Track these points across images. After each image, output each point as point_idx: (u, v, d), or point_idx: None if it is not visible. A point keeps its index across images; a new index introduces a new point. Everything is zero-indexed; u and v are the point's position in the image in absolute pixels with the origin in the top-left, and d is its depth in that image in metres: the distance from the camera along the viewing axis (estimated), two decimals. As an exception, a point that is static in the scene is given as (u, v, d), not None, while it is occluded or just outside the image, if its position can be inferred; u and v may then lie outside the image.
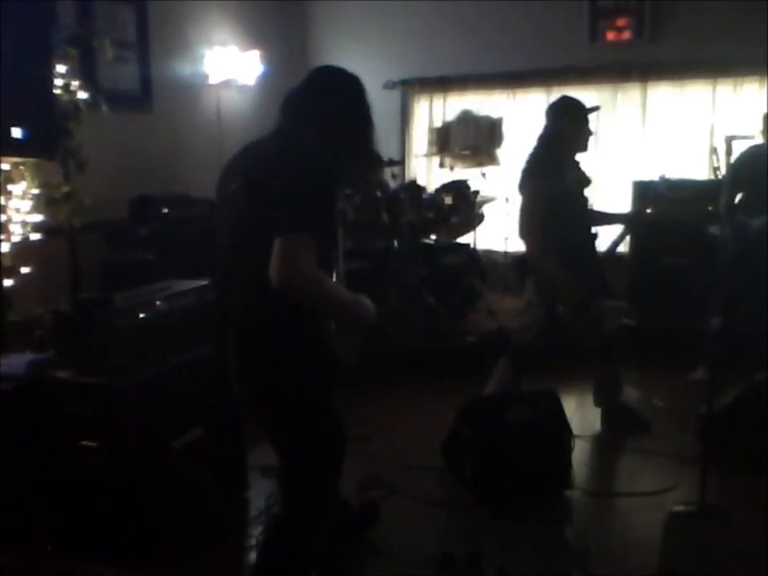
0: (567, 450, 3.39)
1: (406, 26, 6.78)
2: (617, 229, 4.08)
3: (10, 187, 3.72)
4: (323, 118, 2.11)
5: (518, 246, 6.31)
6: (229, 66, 5.85)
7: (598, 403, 4.13)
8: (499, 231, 6.22)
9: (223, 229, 2.13)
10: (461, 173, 6.10)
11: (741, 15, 5.67)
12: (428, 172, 6.95)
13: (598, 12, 6.19)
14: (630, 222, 4.14)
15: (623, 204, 5.71)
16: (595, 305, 3.72)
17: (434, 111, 6.94)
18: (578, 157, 3.90)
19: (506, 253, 6.22)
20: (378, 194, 5.39)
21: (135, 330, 2.74)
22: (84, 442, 2.68)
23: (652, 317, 5.27)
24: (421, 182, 6.38)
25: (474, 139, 6.59)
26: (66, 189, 3.94)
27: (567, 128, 3.76)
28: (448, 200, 5.73)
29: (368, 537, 2.97)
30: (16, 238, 3.76)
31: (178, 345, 2.97)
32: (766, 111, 4.41)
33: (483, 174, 5.96)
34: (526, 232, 3.63)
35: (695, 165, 6.05)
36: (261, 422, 2.19)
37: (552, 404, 3.42)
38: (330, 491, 2.24)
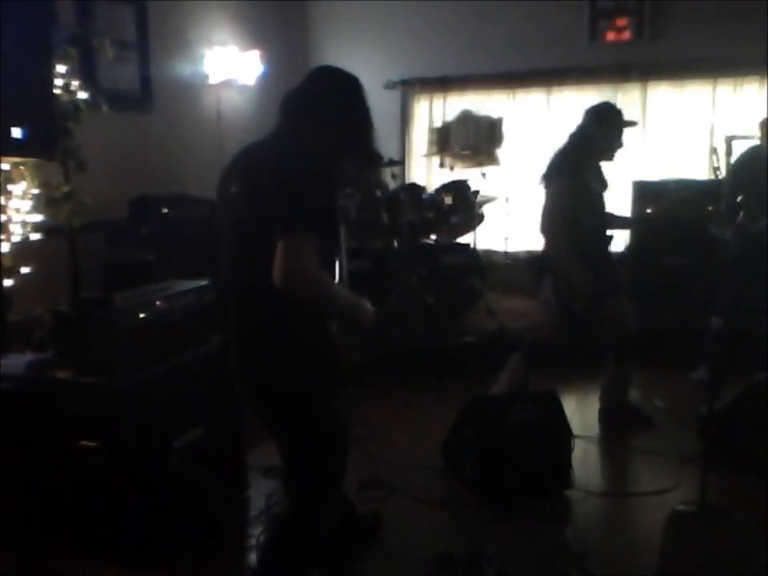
0: (567, 450, 3.39)
1: (406, 26, 6.78)
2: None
3: (10, 187, 3.72)
4: (323, 119, 2.12)
5: (528, 245, 6.44)
6: (229, 66, 5.85)
7: (606, 402, 4.12)
8: (499, 231, 6.23)
9: (224, 230, 2.13)
10: (461, 173, 6.10)
11: (741, 15, 5.67)
12: (428, 172, 6.94)
13: (598, 12, 6.19)
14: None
15: (623, 204, 5.70)
16: (610, 303, 3.76)
17: (434, 111, 6.94)
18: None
19: (506, 253, 6.23)
20: (378, 194, 5.39)
21: (135, 330, 2.74)
22: (84, 442, 2.68)
23: (652, 316, 5.27)
24: (421, 182, 6.38)
25: (474, 139, 6.59)
26: (65, 189, 3.93)
27: (602, 134, 3.82)
28: (448, 200, 5.72)
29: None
30: (16, 238, 3.76)
31: (178, 345, 2.97)
32: (765, 117, 4.40)
33: (483, 174, 5.95)
34: (547, 227, 3.76)
35: (695, 165, 6.05)
36: (264, 422, 2.19)
37: (552, 404, 3.42)
38: (333, 491, 2.24)
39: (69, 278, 4.22)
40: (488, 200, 5.99)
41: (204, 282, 3.13)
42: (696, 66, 5.99)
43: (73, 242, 4.19)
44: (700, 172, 6.00)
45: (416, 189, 5.76)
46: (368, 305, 2.10)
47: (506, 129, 6.65)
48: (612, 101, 6.21)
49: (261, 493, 3.28)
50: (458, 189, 5.74)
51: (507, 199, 6.20)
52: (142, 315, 2.78)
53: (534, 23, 6.39)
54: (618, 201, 5.91)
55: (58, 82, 3.81)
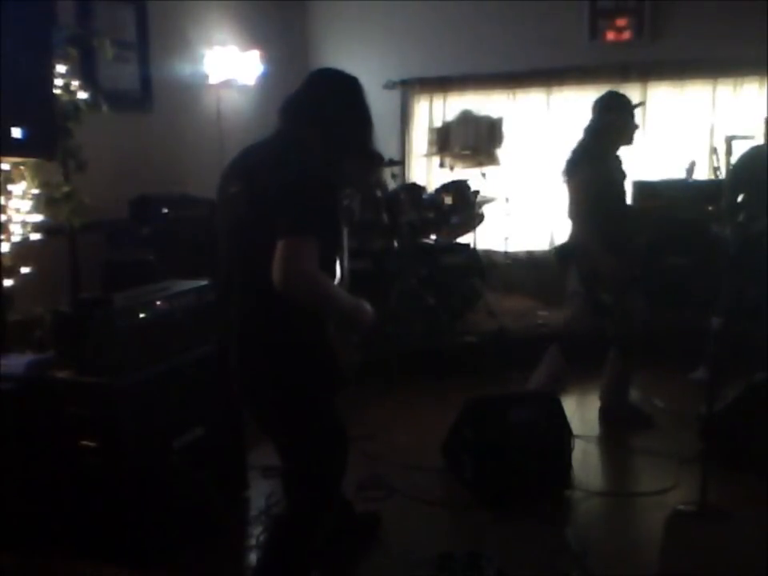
0: (567, 450, 3.39)
1: (406, 26, 6.77)
2: None
3: (10, 187, 3.71)
4: (323, 121, 2.12)
5: (528, 245, 6.45)
6: (229, 66, 5.85)
7: (607, 402, 4.12)
8: (499, 231, 6.23)
9: (224, 231, 2.14)
10: (461, 173, 6.10)
11: (741, 15, 5.67)
12: (428, 172, 6.94)
13: (598, 12, 6.20)
14: None
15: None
16: (627, 297, 3.82)
17: (434, 111, 6.93)
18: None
19: (506, 253, 6.23)
20: (378, 194, 5.39)
21: (135, 330, 2.74)
22: (84, 442, 2.68)
23: (653, 316, 5.27)
24: (421, 182, 6.39)
25: (474, 139, 6.59)
26: (66, 189, 3.93)
27: (613, 121, 3.88)
28: (448, 200, 5.73)
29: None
30: (16, 238, 3.76)
31: (178, 345, 2.97)
32: (766, 115, 4.40)
33: (483, 174, 5.96)
34: (575, 215, 3.79)
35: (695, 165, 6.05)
36: (262, 423, 2.19)
37: (552, 404, 3.42)
38: (332, 492, 2.24)
39: (69, 278, 4.22)
40: (488, 200, 5.99)
41: (204, 282, 3.13)
42: (696, 66, 5.99)
43: (73, 242, 4.19)
44: (700, 172, 6.00)
45: (416, 189, 5.76)
46: (367, 306, 2.10)
47: (506, 129, 6.64)
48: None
49: (261, 493, 3.28)
50: (458, 189, 5.74)
51: (507, 199, 6.20)
52: (141, 315, 2.78)
53: (533, 23, 6.39)
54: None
55: (58, 82, 3.80)
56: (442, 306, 5.23)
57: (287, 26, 6.86)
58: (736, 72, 5.92)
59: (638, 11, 6.08)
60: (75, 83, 3.99)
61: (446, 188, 5.78)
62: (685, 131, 6.14)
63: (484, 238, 6.12)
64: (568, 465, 3.40)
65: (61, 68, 3.86)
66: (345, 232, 2.30)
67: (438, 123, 6.89)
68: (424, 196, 5.72)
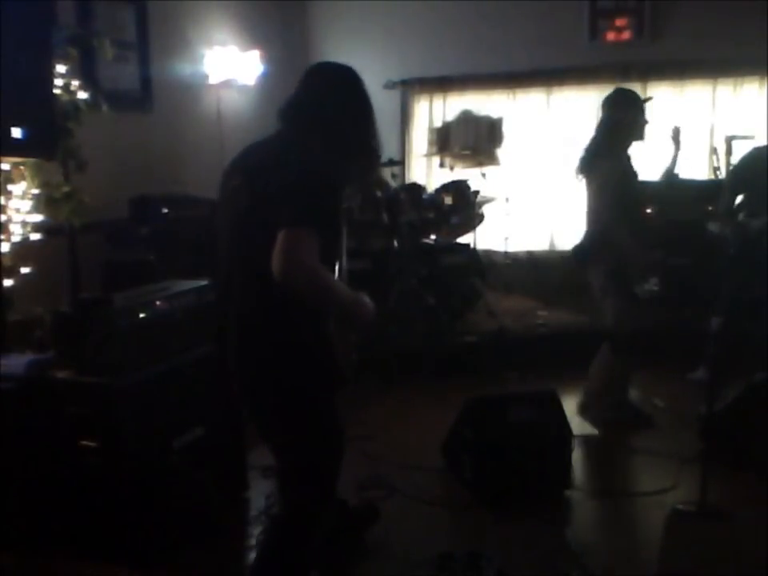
0: (567, 450, 3.39)
1: (406, 25, 6.77)
2: None
3: (10, 187, 3.71)
4: (322, 120, 2.11)
5: (528, 245, 6.45)
6: (229, 66, 5.85)
7: (590, 399, 4.12)
8: (499, 231, 6.23)
9: (225, 226, 2.13)
10: (461, 173, 6.10)
11: (741, 15, 5.67)
12: (428, 172, 6.94)
13: (598, 12, 6.20)
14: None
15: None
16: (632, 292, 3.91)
17: (434, 111, 6.93)
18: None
19: (506, 253, 6.23)
20: (378, 194, 5.39)
21: (135, 330, 2.74)
22: (84, 442, 2.68)
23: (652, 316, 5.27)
24: (421, 182, 6.39)
25: (474, 139, 6.59)
26: (66, 189, 3.93)
27: (623, 118, 3.91)
28: (448, 200, 5.73)
29: (368, 537, 2.97)
30: (16, 238, 3.75)
31: (178, 345, 2.97)
32: None
33: (483, 174, 5.96)
34: (600, 209, 3.82)
35: (695, 165, 6.05)
36: (260, 422, 2.19)
37: (552, 404, 3.42)
38: (329, 491, 2.23)
39: (69, 277, 4.21)
40: (488, 200, 5.99)
41: (204, 282, 3.13)
42: (696, 66, 6.00)
43: (73, 241, 4.19)
44: (700, 172, 6.00)
45: (416, 189, 5.76)
46: (367, 299, 2.07)
47: (506, 129, 6.64)
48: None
49: (261, 493, 3.28)
50: (458, 189, 5.74)
51: (507, 199, 6.20)
52: (142, 315, 2.78)
53: (534, 23, 6.39)
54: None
55: (58, 81, 3.80)
56: (442, 306, 5.23)
57: (287, 26, 6.85)
58: (736, 72, 5.93)
59: (638, 11, 6.08)
60: (75, 83, 3.98)
61: (446, 188, 5.79)
62: (685, 131, 6.12)
63: (484, 237, 6.12)
64: (568, 465, 3.40)
65: (61, 68, 3.86)
66: (344, 233, 2.27)
67: (438, 123, 6.89)
68: (424, 196, 5.73)
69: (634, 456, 3.85)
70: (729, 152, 3.69)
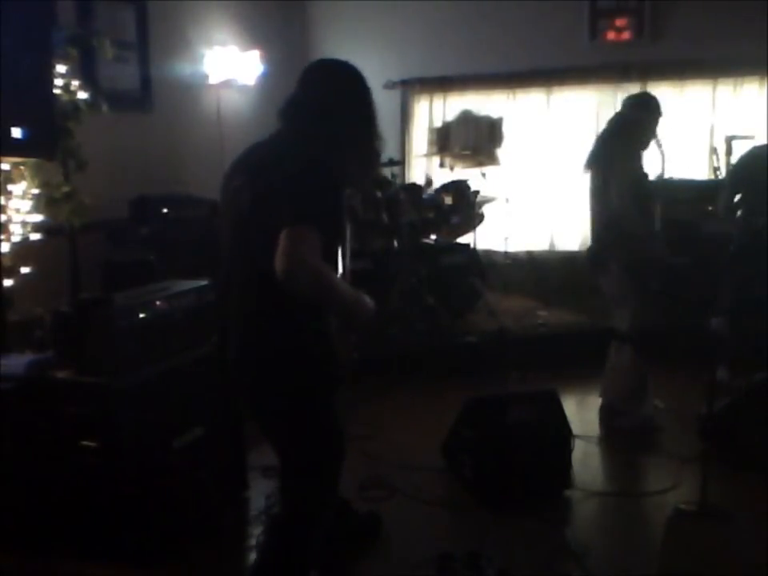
0: (567, 450, 3.39)
1: (406, 26, 6.77)
2: None
3: (10, 187, 3.71)
4: (323, 120, 2.10)
5: (528, 245, 6.45)
6: (229, 66, 5.85)
7: (612, 401, 4.11)
8: (499, 231, 6.23)
9: (226, 227, 2.13)
10: (461, 173, 6.10)
11: (741, 15, 5.67)
12: (428, 172, 6.93)
13: (598, 12, 6.20)
14: None
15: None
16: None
17: (434, 111, 6.93)
18: None
19: (506, 253, 6.23)
20: (378, 194, 5.40)
21: (135, 330, 2.74)
22: (84, 442, 2.68)
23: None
24: (421, 182, 6.38)
25: (474, 139, 6.59)
26: (66, 189, 3.93)
27: (644, 120, 3.95)
28: (448, 200, 5.73)
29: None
30: (16, 238, 3.76)
31: (178, 345, 2.97)
32: None
33: (483, 174, 5.96)
34: (620, 205, 3.78)
35: (695, 165, 6.05)
36: (260, 420, 2.19)
37: (552, 404, 3.42)
38: (331, 491, 2.23)
39: (69, 277, 4.22)
40: (488, 200, 5.99)
41: (204, 282, 3.12)
42: (696, 66, 5.99)
43: (73, 242, 4.19)
44: (700, 172, 6.00)
45: (416, 189, 5.76)
46: (369, 299, 2.07)
47: (506, 129, 6.65)
48: (612, 101, 6.26)
49: (261, 493, 3.28)
50: (458, 189, 5.74)
51: (507, 199, 6.21)
52: (141, 315, 2.78)
53: (533, 23, 6.39)
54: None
55: (58, 82, 3.80)
56: (442, 306, 5.23)
57: (287, 25, 6.85)
58: (736, 72, 5.93)
59: (638, 11, 6.08)
60: (75, 83, 3.99)
61: (446, 188, 5.79)
62: (685, 131, 6.13)
63: (484, 238, 6.12)
64: (568, 465, 3.40)
65: (61, 68, 3.86)
66: (349, 232, 2.26)
67: (438, 123, 6.89)
68: (424, 196, 5.73)
69: (634, 456, 3.85)
70: (729, 152, 3.69)
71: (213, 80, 5.84)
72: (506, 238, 6.17)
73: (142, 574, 2.70)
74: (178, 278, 3.22)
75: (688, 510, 3.12)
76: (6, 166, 3.63)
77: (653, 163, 4.00)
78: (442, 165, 6.60)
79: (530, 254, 6.60)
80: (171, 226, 4.75)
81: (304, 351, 2.02)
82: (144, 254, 4.46)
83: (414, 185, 5.93)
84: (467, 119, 6.74)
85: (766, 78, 5.82)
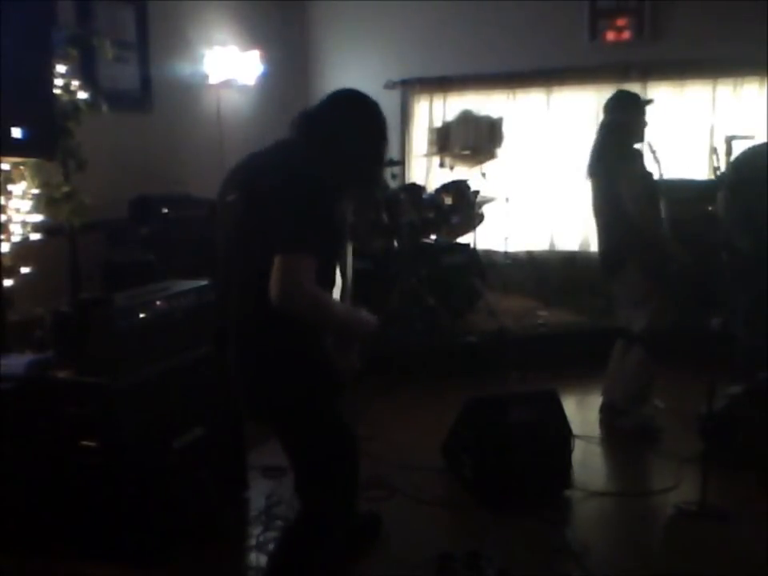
0: (567, 450, 3.39)
1: (406, 25, 6.78)
2: None
3: (10, 187, 3.71)
4: (333, 140, 2.08)
5: (528, 245, 6.45)
6: (229, 66, 5.85)
7: (612, 400, 4.10)
8: (499, 231, 6.23)
9: (222, 238, 2.12)
10: (461, 173, 6.10)
11: (741, 15, 5.67)
12: (428, 172, 6.94)
13: (598, 12, 6.20)
14: None
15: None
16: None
17: (434, 111, 6.94)
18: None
19: (506, 253, 6.23)
20: (378, 194, 5.39)
21: (135, 330, 2.74)
22: (84, 442, 2.68)
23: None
24: (421, 182, 6.39)
25: (474, 139, 6.59)
26: (66, 189, 3.93)
27: (631, 118, 3.97)
28: (448, 200, 5.73)
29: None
30: (16, 238, 3.76)
31: (178, 345, 2.97)
32: None
33: (483, 174, 5.96)
34: (640, 207, 3.79)
35: (695, 165, 6.05)
36: (265, 423, 2.18)
37: (552, 404, 3.42)
38: (343, 496, 2.20)
39: (69, 277, 4.22)
40: (488, 200, 5.99)
41: (204, 282, 3.13)
42: (696, 66, 5.99)
43: (73, 242, 4.19)
44: (700, 172, 6.00)
45: (416, 189, 5.76)
46: (367, 315, 2.07)
47: (506, 129, 6.65)
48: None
49: (261, 493, 3.28)
50: (458, 189, 5.74)
51: (507, 199, 6.21)
52: (141, 315, 2.78)
53: (533, 23, 6.39)
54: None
55: (58, 81, 3.80)
56: (442, 306, 5.23)
57: (287, 25, 6.86)
58: (736, 72, 5.92)
59: (638, 11, 6.08)
60: (75, 83, 3.99)
61: (446, 188, 5.79)
62: (685, 131, 6.13)
63: (484, 237, 6.12)
64: (568, 465, 3.40)
65: (61, 68, 3.86)
66: (346, 247, 2.27)
67: (438, 123, 6.89)
68: (424, 196, 5.73)
69: (633, 456, 3.85)
70: (729, 152, 3.68)
71: (213, 80, 5.84)
72: (506, 238, 6.17)
73: (141, 574, 2.70)
74: (178, 277, 3.22)
75: (688, 510, 3.13)
76: (6, 166, 3.63)
77: (649, 167, 3.99)
78: (442, 165, 6.60)
79: (530, 253, 6.61)
80: (171, 226, 4.75)
81: (302, 359, 2.01)
82: (144, 254, 4.46)
83: (414, 185, 5.93)
84: (467, 119, 6.74)
85: (766, 78, 5.82)
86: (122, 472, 2.68)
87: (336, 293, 2.14)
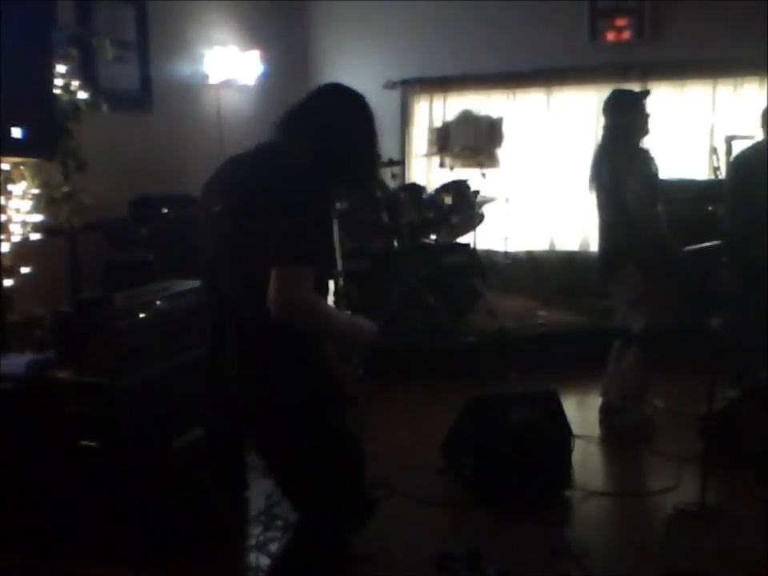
0: (567, 450, 3.39)
1: (406, 25, 6.77)
2: None
3: (10, 187, 3.72)
4: (319, 137, 2.00)
5: (528, 245, 6.45)
6: (229, 66, 5.85)
7: (611, 401, 4.10)
8: (499, 231, 6.23)
9: (211, 247, 2.08)
10: (461, 173, 6.10)
11: (741, 15, 5.67)
12: (428, 172, 6.94)
13: (598, 12, 6.19)
14: None
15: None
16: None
17: (434, 111, 6.94)
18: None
19: (506, 253, 6.23)
20: (378, 194, 5.39)
21: (135, 330, 2.74)
22: (84, 442, 2.68)
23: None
24: (421, 182, 6.39)
25: (474, 139, 6.59)
26: (66, 189, 3.94)
27: (630, 118, 3.93)
28: (448, 200, 5.73)
29: (368, 537, 2.96)
30: (16, 238, 3.76)
31: (178, 345, 2.97)
32: (765, 107, 4.35)
33: (483, 174, 5.95)
34: (642, 206, 3.78)
35: (695, 165, 6.05)
36: (267, 451, 2.11)
37: (552, 404, 3.42)
38: (345, 505, 2.11)
39: (69, 277, 4.22)
40: (488, 200, 5.99)
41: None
42: (696, 66, 5.99)
43: (73, 242, 4.19)
44: (700, 172, 6.00)
45: (416, 189, 5.76)
46: (367, 324, 2.04)
47: (506, 129, 6.65)
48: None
49: (261, 493, 3.28)
50: (458, 189, 5.74)
51: (507, 199, 6.21)
52: (141, 315, 2.78)
53: (533, 23, 6.39)
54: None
55: (58, 81, 3.81)
56: (442, 305, 5.23)
57: (287, 25, 6.86)
58: (736, 72, 5.92)
59: (638, 11, 6.07)
60: (75, 83, 3.99)
61: (446, 188, 5.79)
62: (685, 131, 6.13)
63: (484, 238, 6.12)
64: (568, 465, 3.40)
65: (61, 68, 3.87)
66: (337, 242, 2.19)
67: (438, 123, 6.89)
68: (424, 196, 5.73)
69: (633, 456, 3.85)
70: (729, 152, 3.68)
71: (213, 80, 5.85)
72: (506, 238, 6.17)
73: (141, 574, 2.70)
74: (178, 278, 3.23)
75: (688, 510, 3.13)
76: (6, 166, 3.64)
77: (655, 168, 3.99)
78: (442, 165, 6.60)
79: (530, 253, 6.60)
80: (171, 226, 4.75)
81: (305, 363, 1.96)
82: (144, 254, 4.46)
83: (414, 185, 5.93)
84: (467, 119, 6.74)
85: (766, 78, 5.82)
86: (122, 472, 2.68)
87: (329, 299, 2.09)
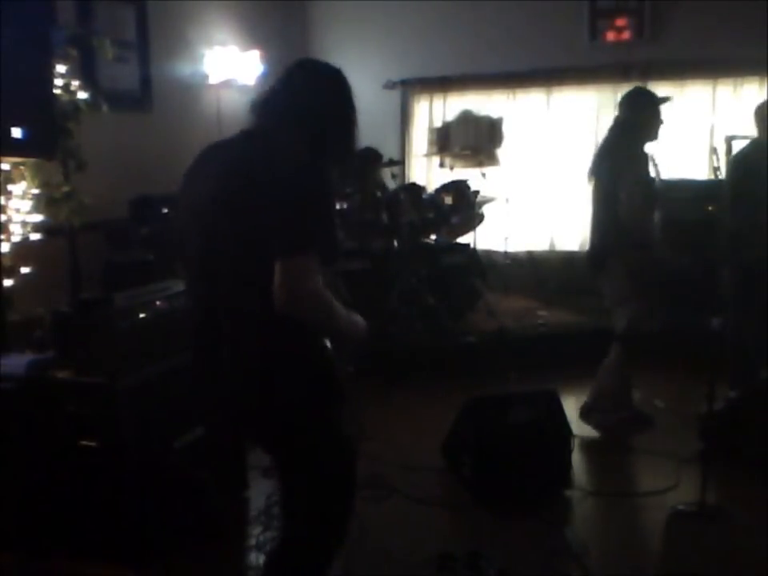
0: (567, 450, 3.39)
1: (406, 25, 6.78)
2: None
3: (10, 187, 3.72)
4: (299, 117, 1.97)
5: (528, 245, 6.45)
6: (229, 66, 5.85)
7: (594, 403, 4.10)
8: (499, 231, 6.23)
9: (196, 242, 1.98)
10: (461, 173, 6.10)
11: (741, 15, 5.67)
12: (428, 172, 6.94)
13: (598, 12, 6.20)
14: None
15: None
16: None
17: (434, 111, 6.94)
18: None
19: (506, 253, 6.23)
20: (378, 194, 5.40)
21: (135, 330, 2.74)
22: (84, 442, 2.68)
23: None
24: (421, 182, 6.39)
25: (474, 139, 6.59)
26: (66, 189, 3.94)
27: (644, 118, 3.92)
28: (448, 200, 5.73)
29: (368, 537, 2.96)
30: (16, 238, 3.76)
31: (178, 345, 2.96)
32: (760, 103, 4.33)
33: (483, 174, 5.96)
34: (633, 208, 3.76)
35: (695, 165, 6.05)
36: (268, 441, 2.10)
37: (552, 404, 3.42)
38: (339, 512, 2.11)
39: (69, 277, 4.22)
40: (488, 200, 5.99)
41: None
42: (696, 66, 6.00)
43: (73, 242, 4.19)
44: (700, 172, 6.00)
45: (416, 189, 5.76)
46: (360, 319, 2.01)
47: (506, 129, 6.65)
48: (612, 101, 6.25)
49: (261, 493, 3.27)
50: (458, 189, 5.74)
51: (507, 199, 6.21)
52: (141, 315, 2.78)
53: (533, 23, 6.39)
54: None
55: (58, 81, 3.81)
56: (442, 305, 5.23)
57: (287, 25, 6.86)
58: (736, 72, 5.93)
59: (638, 11, 6.08)
60: (75, 83, 3.99)
61: (446, 188, 5.79)
62: (685, 131, 6.13)
63: (484, 238, 6.12)
64: (568, 465, 3.40)
65: (61, 68, 3.87)
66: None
67: (438, 123, 6.89)
68: (424, 196, 5.73)
69: (633, 456, 3.85)
70: (729, 152, 3.68)
71: (213, 80, 5.85)
72: (506, 238, 6.17)
73: (141, 574, 2.70)
74: (178, 278, 3.22)
75: (688, 510, 3.13)
76: (6, 166, 3.64)
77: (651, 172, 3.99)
78: (442, 165, 6.60)
79: (530, 254, 6.61)
80: (171, 225, 4.74)
81: (300, 369, 1.92)
82: (144, 254, 4.46)
83: (414, 185, 5.93)
84: (467, 119, 6.74)
85: (766, 78, 5.82)
86: (122, 472, 2.68)
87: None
